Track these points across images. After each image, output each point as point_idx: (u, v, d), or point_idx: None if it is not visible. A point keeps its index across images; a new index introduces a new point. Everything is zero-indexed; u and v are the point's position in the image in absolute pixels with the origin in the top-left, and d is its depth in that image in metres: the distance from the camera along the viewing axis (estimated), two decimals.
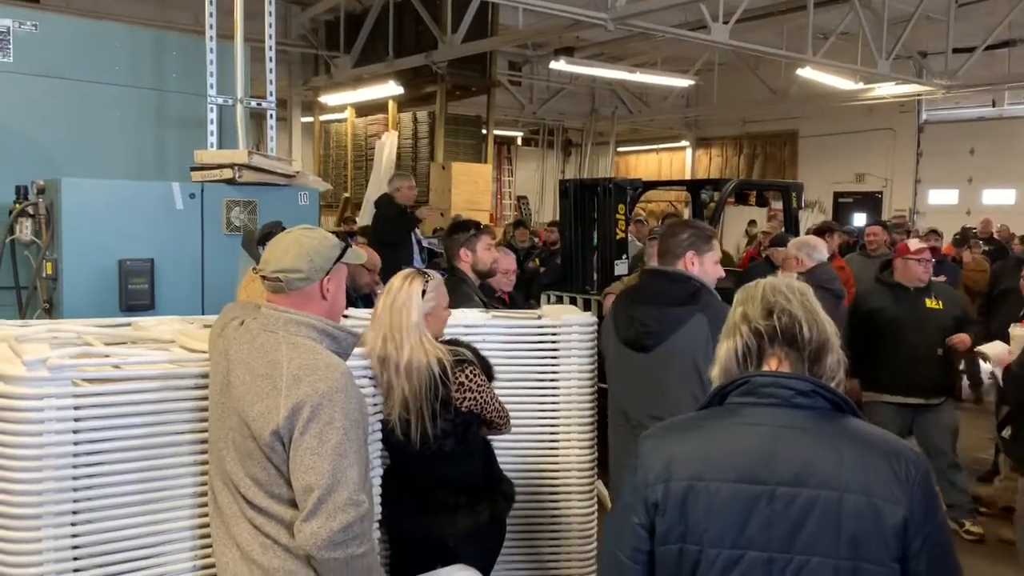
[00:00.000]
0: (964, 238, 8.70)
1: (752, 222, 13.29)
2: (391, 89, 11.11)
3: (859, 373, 4.92)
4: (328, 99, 12.74)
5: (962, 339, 4.67)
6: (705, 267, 3.18)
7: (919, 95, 12.65)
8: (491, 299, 4.19)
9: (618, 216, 5.76)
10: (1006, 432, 4.06)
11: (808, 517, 1.56)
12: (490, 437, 2.86)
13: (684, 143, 18.80)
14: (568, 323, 3.32)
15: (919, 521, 1.54)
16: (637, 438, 3.06)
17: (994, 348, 4.46)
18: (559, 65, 11.28)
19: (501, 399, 2.85)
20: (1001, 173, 13.24)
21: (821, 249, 4.96)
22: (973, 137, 13.55)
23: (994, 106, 13.14)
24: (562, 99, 17.20)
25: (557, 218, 9.41)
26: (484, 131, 11.80)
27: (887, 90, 11.98)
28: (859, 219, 14.19)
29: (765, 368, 1.71)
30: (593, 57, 12.89)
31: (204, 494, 2.33)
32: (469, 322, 3.23)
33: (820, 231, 6.85)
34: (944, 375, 4.85)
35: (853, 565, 1.54)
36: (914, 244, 4.98)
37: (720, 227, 10.55)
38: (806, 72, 10.90)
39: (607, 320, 3.37)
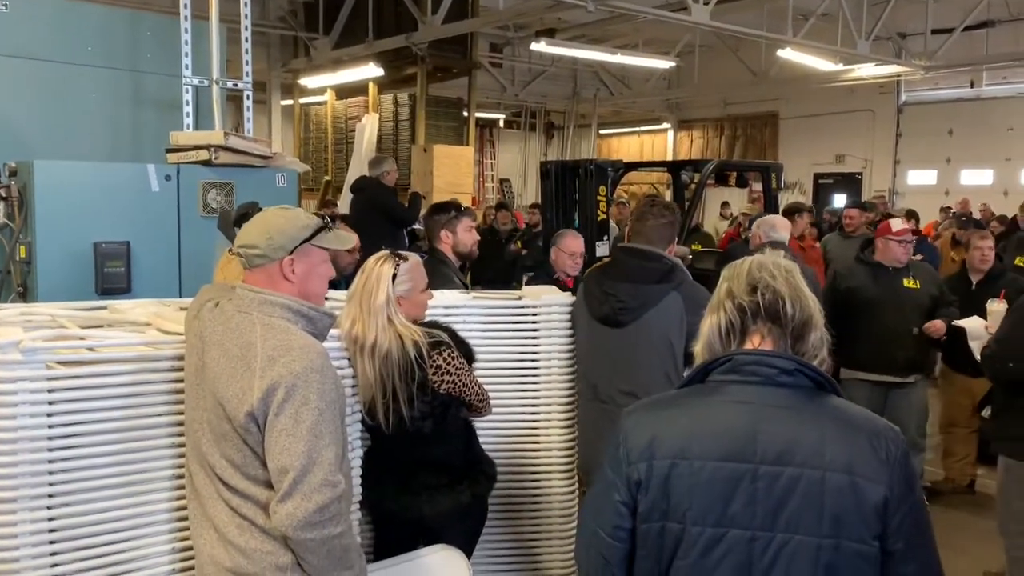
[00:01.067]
0: (968, 220, 8.71)
1: (725, 204, 13.30)
2: (371, 71, 11.01)
3: (836, 350, 4.95)
4: (308, 81, 12.61)
5: (936, 326, 4.69)
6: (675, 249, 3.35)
7: (898, 76, 12.69)
8: (555, 284, 4.20)
9: (599, 198, 5.77)
10: (986, 412, 4.09)
11: (791, 496, 1.56)
12: (471, 418, 2.86)
13: (666, 125, 18.79)
14: (548, 303, 3.32)
15: (898, 499, 1.55)
16: (607, 413, 3.12)
17: (971, 323, 4.49)
18: (540, 47, 11.21)
19: (482, 380, 2.85)
20: (979, 153, 13.34)
21: (779, 229, 5.00)
22: (952, 118, 13.63)
23: (972, 87, 13.23)
24: (544, 81, 17.13)
25: (539, 200, 9.39)
26: (465, 113, 11.72)
27: (867, 71, 12.01)
28: (839, 200, 14.27)
29: (748, 345, 1.71)
30: (575, 39, 12.82)
31: (181, 476, 2.31)
32: (449, 303, 3.22)
33: (789, 211, 6.91)
34: (918, 354, 4.87)
35: (835, 543, 1.55)
36: (896, 225, 5.01)
37: (701, 208, 10.59)
38: (786, 53, 10.91)
39: (578, 296, 3.39)
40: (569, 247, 4.61)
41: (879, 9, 10.67)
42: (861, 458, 1.56)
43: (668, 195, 9.71)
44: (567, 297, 3.44)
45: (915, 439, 4.87)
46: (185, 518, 2.28)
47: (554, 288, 3.86)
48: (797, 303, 1.71)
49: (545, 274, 4.59)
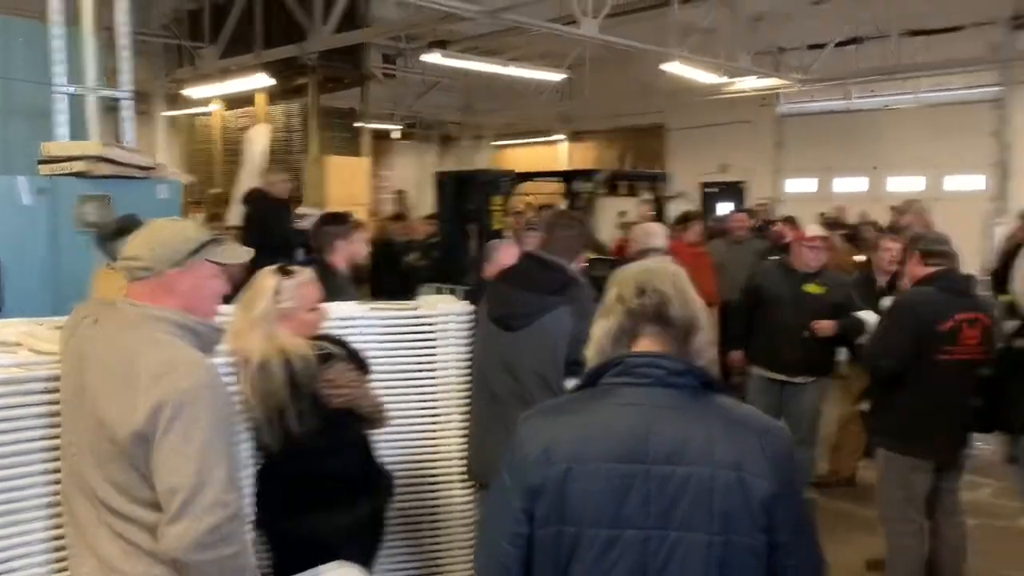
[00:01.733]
0: (835, 225, 9.10)
1: (622, 212, 13.57)
2: (261, 81, 10.74)
3: (745, 345, 5.22)
4: (194, 92, 12.20)
5: (821, 325, 4.85)
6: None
7: (777, 89, 13.25)
8: None
9: (494, 208, 5.81)
10: (864, 405, 4.29)
11: (683, 495, 1.59)
12: (367, 431, 2.82)
13: (559, 136, 19.05)
14: (445, 313, 3.32)
15: (783, 494, 1.60)
16: (497, 414, 3.16)
17: (868, 316, 4.70)
18: (431, 58, 11.18)
19: (380, 391, 2.81)
20: (853, 162, 14.04)
21: (654, 236, 5.14)
22: (827, 128, 14.31)
23: (845, 99, 13.93)
24: (439, 93, 17.10)
25: (435, 211, 9.36)
26: (359, 124, 11.60)
27: (748, 84, 12.50)
28: (724, 208, 14.75)
29: (638, 347, 1.74)
30: (468, 51, 12.86)
31: (58, 504, 2.19)
32: (344, 315, 3.17)
33: (682, 219, 7.18)
34: (810, 357, 4.98)
35: (725, 539, 1.58)
36: (811, 231, 5.24)
37: (597, 217, 10.78)
38: (672, 67, 11.23)
39: (483, 297, 3.42)
40: (504, 260, 4.60)
41: (758, 25, 11.14)
42: (748, 455, 1.61)
43: (563, 205, 9.85)
44: (464, 306, 3.45)
45: (804, 437, 5.08)
46: (63, 548, 2.16)
47: (451, 297, 3.87)
48: (683, 306, 1.75)
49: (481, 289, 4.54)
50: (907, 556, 3.87)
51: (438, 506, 3.32)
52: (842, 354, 5.21)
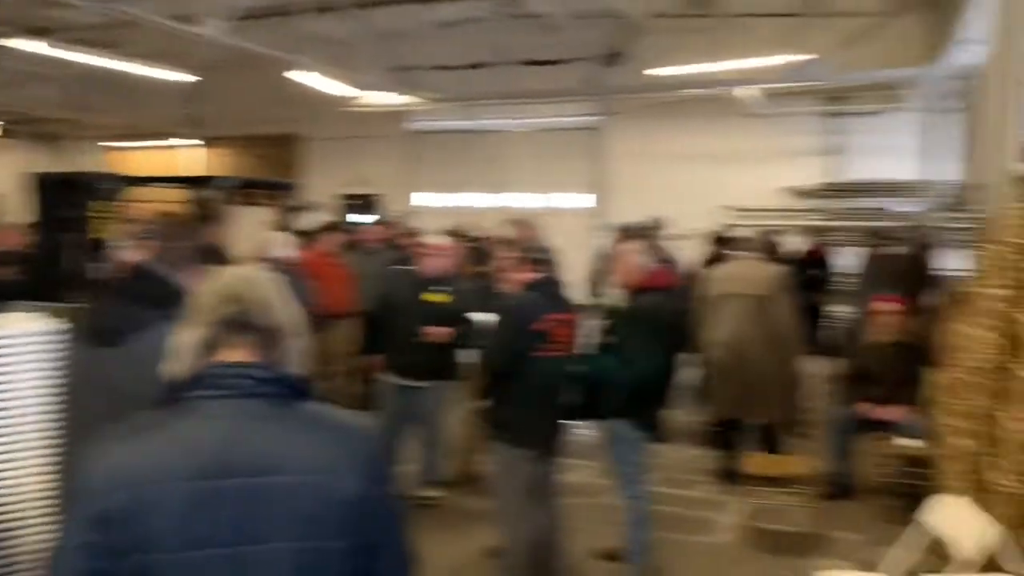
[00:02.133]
0: (458, 235, 9.56)
1: (265, 222, 13.18)
2: None
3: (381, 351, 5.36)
4: None
5: (432, 331, 5.13)
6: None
7: (410, 106, 13.76)
8: None
9: (97, 214, 5.28)
10: (483, 404, 4.59)
11: (269, 505, 1.55)
12: None
13: (189, 141, 17.94)
14: (20, 334, 2.93)
15: (371, 496, 1.62)
16: (87, 442, 2.87)
17: (485, 320, 5.01)
18: (21, 44, 9.77)
19: None
20: (479, 179, 15.05)
21: (278, 246, 5.17)
22: (456, 147, 15.17)
23: (471, 120, 14.87)
24: (45, 85, 15.13)
25: (32, 218, 8.27)
26: None
27: (381, 99, 12.81)
28: (360, 218, 14.95)
29: (225, 357, 1.67)
30: (79, 42, 11.56)
31: None
32: None
33: (320, 230, 7.23)
34: (433, 361, 5.26)
35: (312, 545, 1.56)
36: (434, 241, 5.50)
37: (225, 226, 10.31)
38: (300, 76, 11.12)
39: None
40: (118, 271, 4.18)
41: (390, 42, 11.46)
42: (335, 460, 1.61)
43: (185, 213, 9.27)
44: (48, 325, 3.07)
45: (430, 438, 5.30)
46: None
47: (36, 315, 3.42)
48: (270, 313, 1.72)
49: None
50: (519, 539, 4.19)
51: (15, 552, 2.90)
52: (468, 356, 5.53)
